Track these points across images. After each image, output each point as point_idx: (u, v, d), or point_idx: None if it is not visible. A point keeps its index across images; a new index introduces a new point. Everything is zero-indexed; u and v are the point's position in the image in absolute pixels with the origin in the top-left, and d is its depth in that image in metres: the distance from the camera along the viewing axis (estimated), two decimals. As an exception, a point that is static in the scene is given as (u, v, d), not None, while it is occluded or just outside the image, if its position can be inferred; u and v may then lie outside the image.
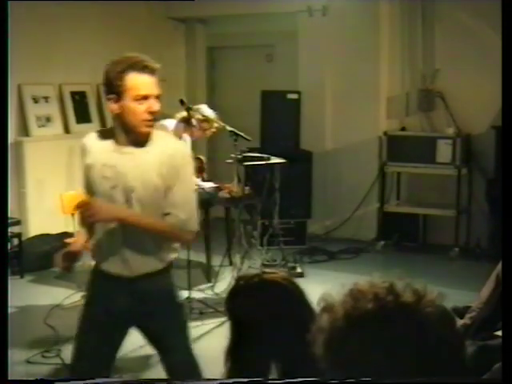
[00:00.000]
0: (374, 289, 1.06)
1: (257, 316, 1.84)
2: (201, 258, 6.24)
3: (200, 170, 6.16)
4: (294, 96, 7.35)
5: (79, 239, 2.99)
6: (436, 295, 1.07)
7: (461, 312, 4.44)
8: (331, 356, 1.06)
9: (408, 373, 0.99)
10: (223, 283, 5.83)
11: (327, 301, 1.09)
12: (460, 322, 4.31)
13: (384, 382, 0.98)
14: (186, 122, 5.32)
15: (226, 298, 1.92)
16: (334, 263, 6.72)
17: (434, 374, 1.00)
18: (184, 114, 5.32)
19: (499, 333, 3.88)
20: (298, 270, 6.27)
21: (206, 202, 5.68)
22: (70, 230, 5.93)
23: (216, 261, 6.16)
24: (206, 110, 5.36)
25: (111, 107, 2.77)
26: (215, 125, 5.34)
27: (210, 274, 6.07)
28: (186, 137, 5.49)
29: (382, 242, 7.12)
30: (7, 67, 2.81)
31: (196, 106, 5.37)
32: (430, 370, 1.00)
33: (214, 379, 1.28)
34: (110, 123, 7.71)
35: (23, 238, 6.31)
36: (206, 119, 5.31)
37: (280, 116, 7.27)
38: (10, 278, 5.59)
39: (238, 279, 1.95)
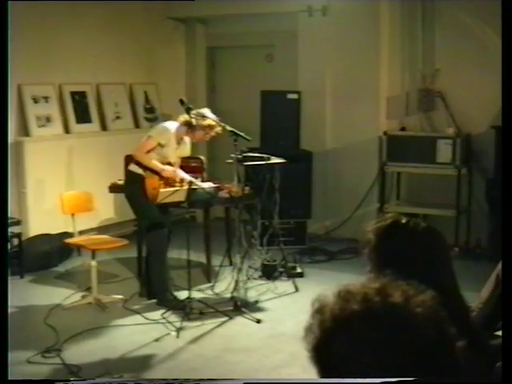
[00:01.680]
0: (364, 289, 1.06)
1: (414, 255, 1.88)
2: (201, 258, 6.24)
3: (200, 170, 6.16)
4: (294, 96, 7.35)
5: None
6: (430, 296, 1.06)
7: (461, 312, 4.44)
8: (320, 357, 1.06)
9: (396, 373, 0.98)
10: (223, 283, 5.84)
11: (321, 302, 1.09)
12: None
13: (382, 382, 0.98)
14: (189, 125, 5.33)
15: (382, 235, 1.93)
16: (333, 263, 6.72)
17: (422, 374, 0.99)
18: (188, 117, 5.32)
19: (499, 333, 3.87)
20: (298, 270, 6.27)
21: (206, 201, 5.68)
22: (69, 230, 5.94)
23: (216, 261, 6.16)
24: (209, 114, 5.35)
25: None
26: (217, 129, 5.34)
27: (209, 274, 6.08)
28: (186, 138, 5.50)
29: (382, 242, 7.11)
30: (7, 67, 2.82)
31: (199, 110, 5.36)
32: (418, 371, 1.00)
33: (215, 379, 1.28)
34: (109, 123, 7.74)
35: (23, 238, 6.31)
36: (209, 125, 5.30)
37: (280, 116, 7.26)
38: (10, 278, 5.58)
39: (391, 218, 1.98)
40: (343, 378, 1.01)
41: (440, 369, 1.02)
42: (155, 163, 5.29)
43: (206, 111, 5.39)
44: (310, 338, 1.07)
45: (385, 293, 1.04)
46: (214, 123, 5.31)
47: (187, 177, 5.50)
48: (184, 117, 5.36)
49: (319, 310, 1.07)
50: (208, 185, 5.51)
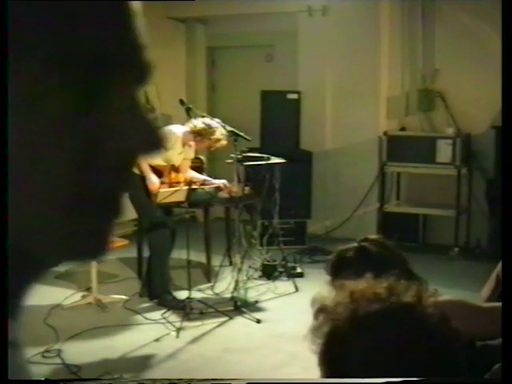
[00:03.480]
0: (373, 289, 1.05)
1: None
2: (201, 258, 6.24)
3: (200, 170, 6.16)
4: (293, 96, 7.35)
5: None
6: (437, 295, 1.07)
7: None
8: (332, 357, 1.05)
9: (406, 373, 0.98)
10: (223, 283, 5.84)
11: (321, 301, 1.08)
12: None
13: (383, 382, 0.98)
14: (197, 134, 5.32)
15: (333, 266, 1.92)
16: (333, 263, 6.71)
17: (431, 374, 0.99)
18: (199, 125, 5.29)
19: (499, 333, 3.87)
20: (298, 270, 6.27)
21: (205, 201, 5.68)
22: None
23: (216, 261, 6.16)
24: (217, 127, 5.31)
25: None
26: (223, 143, 5.34)
27: (209, 274, 6.08)
28: (192, 142, 5.49)
29: (382, 242, 7.11)
30: (7, 67, 2.81)
31: (210, 123, 5.32)
32: (429, 370, 1.00)
33: (218, 379, 1.27)
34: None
35: (23, 238, 6.29)
36: (217, 139, 5.29)
37: (280, 116, 7.27)
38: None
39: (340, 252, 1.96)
40: (354, 377, 1.00)
41: (446, 368, 1.02)
42: (146, 168, 5.28)
43: (219, 127, 5.33)
44: (318, 339, 1.06)
45: (396, 292, 1.04)
46: (221, 137, 5.30)
47: (200, 176, 5.54)
48: (194, 124, 5.33)
49: (323, 309, 1.07)
50: (222, 182, 5.53)
